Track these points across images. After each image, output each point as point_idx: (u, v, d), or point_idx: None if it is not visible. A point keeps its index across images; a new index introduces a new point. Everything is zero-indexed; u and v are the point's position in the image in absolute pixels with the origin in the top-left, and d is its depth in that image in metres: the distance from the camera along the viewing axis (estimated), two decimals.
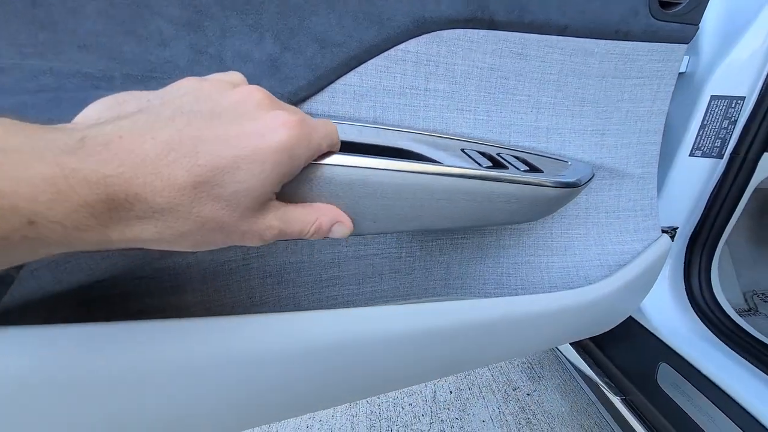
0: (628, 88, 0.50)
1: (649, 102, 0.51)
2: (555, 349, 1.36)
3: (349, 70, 0.37)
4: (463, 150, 0.39)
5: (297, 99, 0.36)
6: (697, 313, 0.73)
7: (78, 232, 0.17)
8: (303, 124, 0.22)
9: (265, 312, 0.42)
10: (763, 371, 0.62)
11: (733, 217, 0.71)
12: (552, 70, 0.45)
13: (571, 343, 0.97)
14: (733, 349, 0.67)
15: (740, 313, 1.08)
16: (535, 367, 1.40)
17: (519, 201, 0.38)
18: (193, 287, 0.38)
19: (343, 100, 0.38)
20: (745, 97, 0.64)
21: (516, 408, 1.24)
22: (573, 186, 0.41)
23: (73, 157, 0.16)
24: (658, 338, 0.73)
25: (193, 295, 0.38)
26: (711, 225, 0.72)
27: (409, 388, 1.30)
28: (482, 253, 0.52)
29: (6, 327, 0.26)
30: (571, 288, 0.53)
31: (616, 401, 0.86)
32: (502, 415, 1.22)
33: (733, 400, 0.61)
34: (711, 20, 0.66)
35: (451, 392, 1.30)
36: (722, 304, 0.74)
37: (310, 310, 0.37)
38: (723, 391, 0.62)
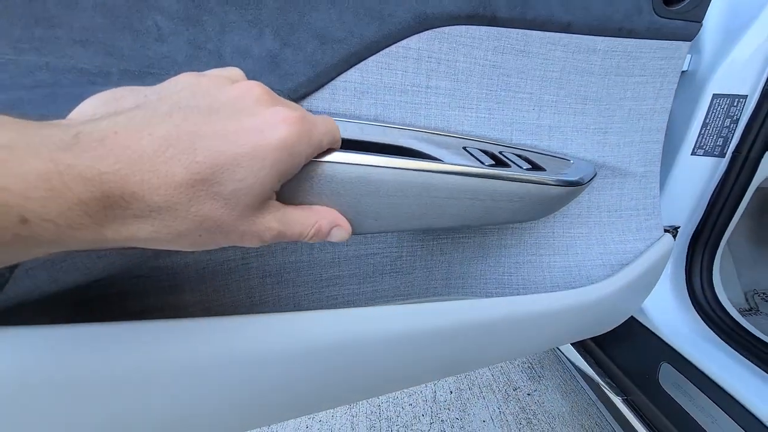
0: (631, 86, 0.49)
1: (651, 100, 0.51)
2: (556, 348, 1.36)
3: (350, 67, 0.37)
4: (465, 148, 0.39)
5: (297, 96, 0.35)
6: (698, 313, 0.73)
7: (72, 231, 0.16)
8: (303, 121, 0.22)
9: (265, 312, 0.42)
10: (765, 371, 0.62)
11: (735, 217, 0.71)
12: (554, 67, 0.45)
13: (572, 343, 0.97)
14: (735, 349, 0.66)
15: (741, 313, 1.07)
16: (535, 366, 1.40)
17: (522, 199, 0.37)
18: (191, 286, 0.38)
19: (343, 97, 0.37)
20: (747, 95, 0.64)
21: (516, 408, 1.24)
22: (576, 184, 0.41)
23: (68, 153, 0.16)
24: (659, 338, 0.73)
25: (192, 295, 0.38)
26: (713, 224, 0.72)
27: (410, 388, 1.30)
28: (484, 252, 0.52)
29: (3, 327, 0.26)
30: (573, 287, 0.52)
31: (617, 401, 0.85)
32: (502, 415, 1.22)
33: (735, 400, 0.60)
34: (713, 18, 0.65)
35: (451, 392, 1.30)
36: (724, 304, 0.74)
37: (310, 309, 0.37)
38: (725, 391, 0.62)
